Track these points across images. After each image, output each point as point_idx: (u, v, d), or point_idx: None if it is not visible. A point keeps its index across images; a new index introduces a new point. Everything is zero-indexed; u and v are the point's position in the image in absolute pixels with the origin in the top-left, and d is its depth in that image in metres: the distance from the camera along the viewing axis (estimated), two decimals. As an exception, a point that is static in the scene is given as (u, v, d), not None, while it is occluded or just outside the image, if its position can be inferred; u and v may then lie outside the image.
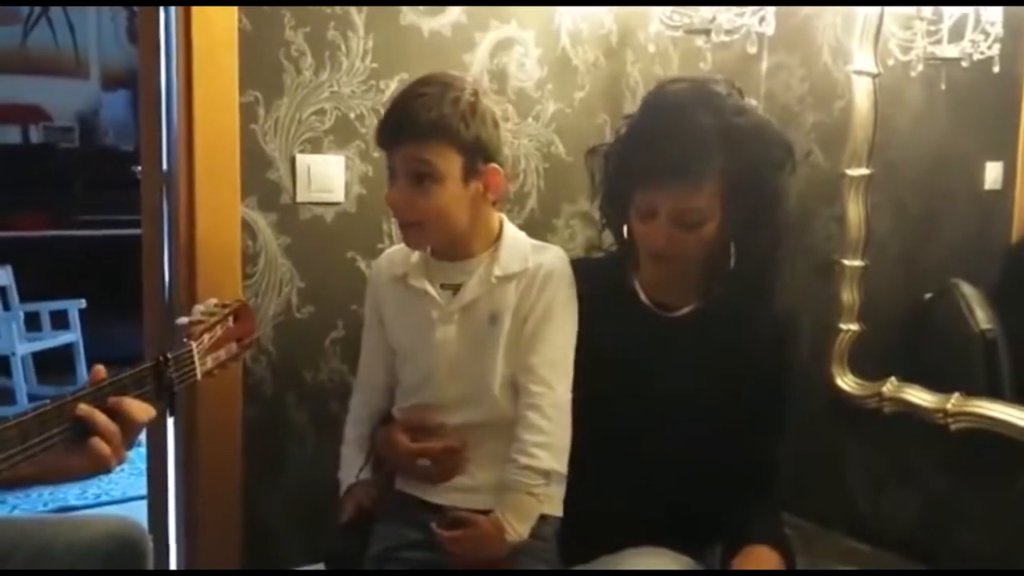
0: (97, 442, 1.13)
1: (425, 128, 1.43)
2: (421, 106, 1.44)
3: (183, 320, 1.37)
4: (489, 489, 1.49)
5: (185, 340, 1.33)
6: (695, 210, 1.49)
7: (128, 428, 1.17)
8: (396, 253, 1.63)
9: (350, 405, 1.68)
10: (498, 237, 1.56)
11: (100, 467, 1.15)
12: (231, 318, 1.42)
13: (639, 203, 1.54)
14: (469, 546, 1.44)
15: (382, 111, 1.96)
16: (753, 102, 1.66)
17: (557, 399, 1.50)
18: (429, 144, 1.44)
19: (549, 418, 1.48)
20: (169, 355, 1.27)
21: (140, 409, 1.19)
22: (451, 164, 1.45)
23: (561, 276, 1.55)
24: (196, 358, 1.33)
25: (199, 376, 1.33)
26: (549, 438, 1.47)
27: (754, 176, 1.50)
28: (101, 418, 1.14)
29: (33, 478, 1.19)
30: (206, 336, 1.36)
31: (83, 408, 1.13)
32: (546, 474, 1.47)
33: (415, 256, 1.57)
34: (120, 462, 1.17)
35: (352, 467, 1.59)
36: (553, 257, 1.56)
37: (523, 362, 1.50)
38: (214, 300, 1.43)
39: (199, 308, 1.40)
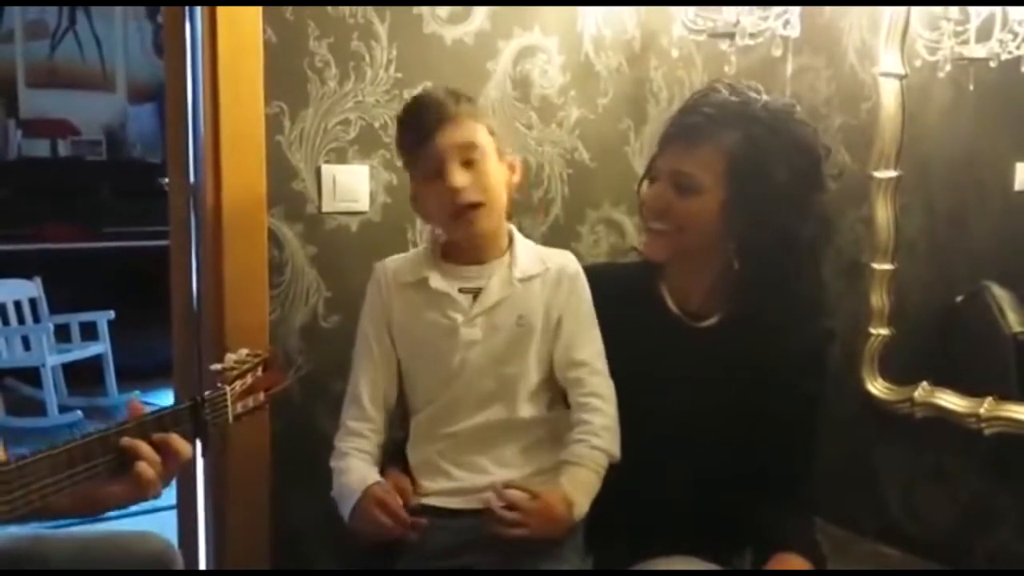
0: (143, 466, 1.18)
1: None
2: None
3: (217, 366, 1.41)
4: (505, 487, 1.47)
5: (219, 384, 1.37)
6: (688, 173, 1.53)
7: (170, 464, 1.22)
8: (398, 262, 1.63)
9: (344, 422, 1.59)
10: (511, 242, 1.59)
11: (142, 493, 1.20)
12: (261, 368, 1.46)
13: (651, 169, 1.63)
14: (537, 522, 1.42)
15: (407, 120, 1.98)
16: (797, 107, 1.64)
17: (611, 388, 1.56)
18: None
19: (610, 404, 1.54)
20: (205, 396, 1.32)
21: (184, 445, 1.24)
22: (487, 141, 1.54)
23: (581, 275, 1.60)
24: (229, 402, 1.37)
25: (230, 419, 1.38)
26: (612, 423, 1.53)
27: (762, 167, 1.50)
28: (146, 448, 1.19)
29: (67, 511, 1.22)
30: (238, 383, 1.40)
31: (128, 440, 1.18)
32: (610, 457, 1.51)
33: (428, 262, 1.58)
34: (158, 494, 1.22)
35: (363, 471, 1.52)
36: (570, 258, 1.62)
37: (573, 358, 1.55)
38: (245, 350, 1.47)
39: (231, 356, 1.44)
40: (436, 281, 1.55)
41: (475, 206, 1.51)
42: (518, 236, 1.61)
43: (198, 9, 1.87)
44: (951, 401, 1.98)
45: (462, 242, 1.56)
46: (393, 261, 1.63)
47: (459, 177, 1.49)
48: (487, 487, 1.49)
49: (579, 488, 1.47)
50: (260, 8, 1.83)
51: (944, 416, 1.99)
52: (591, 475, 1.49)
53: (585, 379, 1.55)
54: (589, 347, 1.57)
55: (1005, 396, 1.90)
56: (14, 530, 1.13)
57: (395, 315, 1.58)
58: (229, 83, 1.82)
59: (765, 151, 1.50)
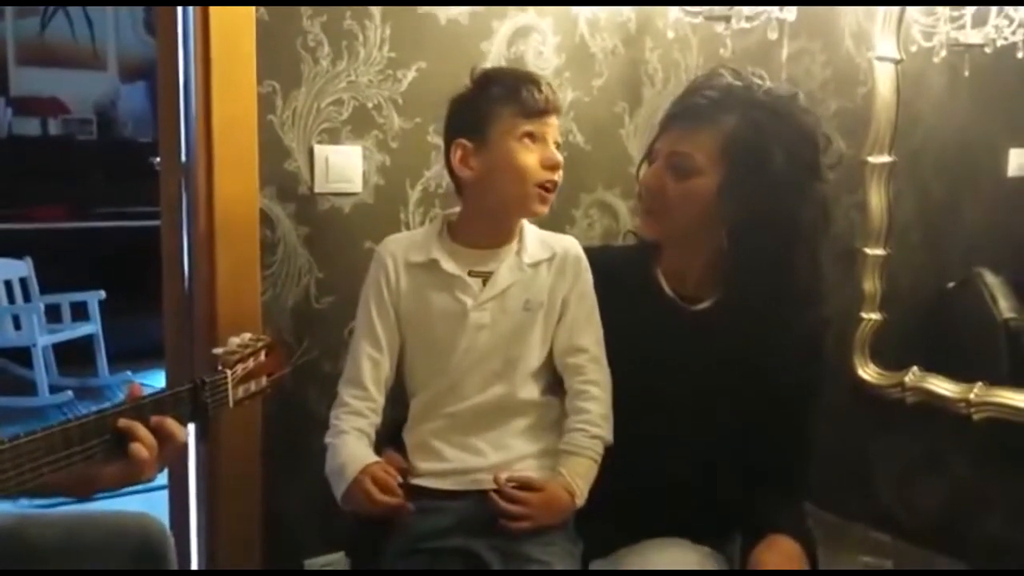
0: (138, 447, 1.18)
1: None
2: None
3: (219, 350, 1.40)
4: (498, 469, 1.48)
5: (220, 368, 1.36)
6: (685, 154, 1.53)
7: (165, 447, 1.22)
8: (403, 241, 1.61)
9: (343, 399, 1.56)
10: (520, 227, 1.58)
11: (137, 474, 1.19)
12: (263, 352, 1.45)
13: (650, 151, 1.63)
14: (542, 513, 1.44)
15: (400, 100, 1.97)
16: (800, 95, 1.63)
17: (608, 375, 1.57)
18: None
19: (607, 392, 1.55)
20: (205, 379, 1.31)
21: (177, 429, 1.23)
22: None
23: (584, 260, 1.60)
24: (230, 385, 1.36)
25: (231, 404, 1.37)
26: (608, 411, 1.54)
27: (761, 150, 1.49)
28: (142, 430, 1.19)
29: (61, 488, 1.22)
30: (239, 366, 1.39)
31: (124, 421, 1.18)
32: (606, 444, 1.52)
33: (437, 243, 1.57)
34: (152, 477, 1.22)
35: (361, 450, 1.50)
36: (573, 242, 1.62)
37: (574, 343, 1.56)
38: (248, 334, 1.46)
39: (234, 340, 1.43)
40: (447, 263, 1.54)
41: (556, 185, 1.54)
42: (525, 222, 1.60)
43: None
44: (941, 386, 1.99)
45: (509, 222, 1.56)
46: (398, 240, 1.62)
47: (560, 157, 1.53)
48: (479, 469, 1.49)
49: (580, 477, 1.48)
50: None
51: (935, 401, 2.00)
52: (591, 464, 1.50)
53: (585, 366, 1.55)
54: (590, 334, 1.57)
55: (995, 381, 1.91)
56: (1, 508, 1.12)
57: (402, 294, 1.57)
58: (221, 62, 1.81)
59: (765, 135, 1.49)
